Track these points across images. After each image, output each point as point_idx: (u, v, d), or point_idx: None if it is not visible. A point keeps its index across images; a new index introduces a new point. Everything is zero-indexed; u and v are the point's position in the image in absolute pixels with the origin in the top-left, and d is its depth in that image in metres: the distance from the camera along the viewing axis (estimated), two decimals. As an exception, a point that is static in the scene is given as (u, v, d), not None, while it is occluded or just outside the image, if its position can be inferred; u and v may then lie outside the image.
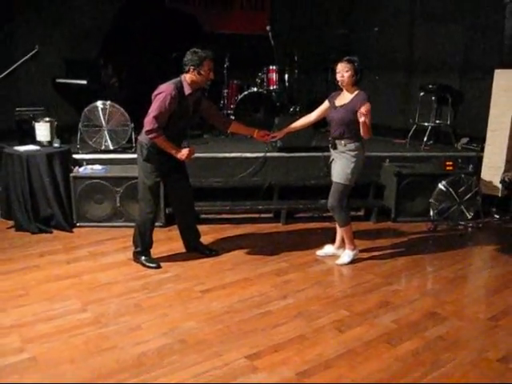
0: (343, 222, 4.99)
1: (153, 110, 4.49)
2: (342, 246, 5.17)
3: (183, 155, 4.62)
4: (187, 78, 4.61)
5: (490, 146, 6.46)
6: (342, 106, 4.76)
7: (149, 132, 4.50)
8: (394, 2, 8.39)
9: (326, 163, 5.36)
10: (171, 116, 4.55)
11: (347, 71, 4.69)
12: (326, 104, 4.99)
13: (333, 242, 5.25)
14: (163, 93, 4.50)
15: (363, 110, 4.46)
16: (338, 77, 4.75)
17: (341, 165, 4.81)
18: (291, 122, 5.23)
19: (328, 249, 5.24)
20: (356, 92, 4.75)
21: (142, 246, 4.93)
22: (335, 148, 4.86)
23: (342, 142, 4.78)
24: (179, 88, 4.56)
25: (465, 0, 7.40)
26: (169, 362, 3.36)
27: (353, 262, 5.05)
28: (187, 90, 4.60)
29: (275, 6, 9.87)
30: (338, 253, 5.17)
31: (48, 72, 7.49)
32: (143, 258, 4.95)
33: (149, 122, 4.49)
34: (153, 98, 4.57)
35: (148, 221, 4.86)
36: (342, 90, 4.85)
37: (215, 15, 9.39)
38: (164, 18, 8.58)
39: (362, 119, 4.48)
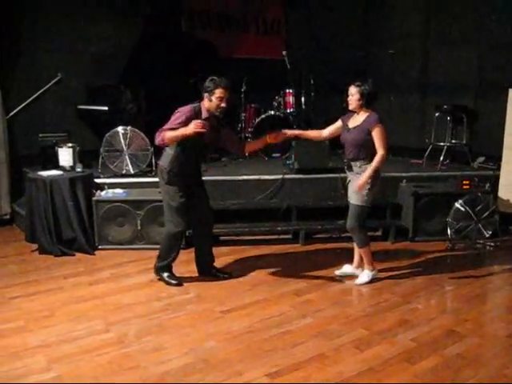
0: (362, 242, 5.03)
1: (166, 125, 4.72)
2: (361, 265, 5.21)
3: (191, 128, 4.62)
4: (204, 103, 4.80)
5: (506, 164, 6.48)
6: (354, 128, 4.85)
7: (158, 140, 4.70)
8: (409, 23, 8.49)
9: (343, 184, 5.43)
10: (186, 140, 4.68)
11: (353, 95, 4.82)
12: (339, 123, 5.09)
13: (351, 261, 5.29)
14: (180, 112, 4.73)
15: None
16: (348, 100, 4.89)
17: (354, 184, 4.87)
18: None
19: (346, 268, 5.28)
20: (368, 113, 4.84)
21: (167, 261, 5.05)
22: (350, 170, 4.94)
23: (357, 163, 4.85)
24: (197, 111, 4.75)
25: (478, 20, 7.46)
26: (191, 380, 3.41)
27: (371, 281, 5.09)
28: (204, 114, 4.76)
29: (290, 30, 10.02)
30: (357, 272, 5.21)
31: (70, 98, 7.66)
32: (166, 274, 5.07)
33: (158, 132, 4.71)
34: (173, 115, 4.78)
35: (178, 234, 4.97)
36: (353, 112, 4.96)
37: (232, 40, 9.55)
38: (181, 44, 8.74)
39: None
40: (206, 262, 5.26)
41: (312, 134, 5.36)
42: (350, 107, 4.90)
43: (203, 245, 5.23)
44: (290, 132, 5.23)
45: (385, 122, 4.83)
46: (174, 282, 5.03)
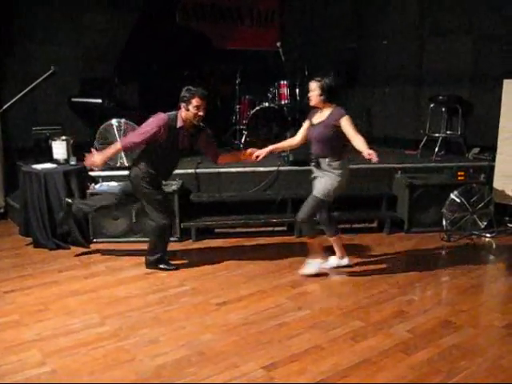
0: (311, 234, 4.97)
1: (138, 131, 4.93)
2: (344, 254, 5.22)
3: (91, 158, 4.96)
4: (181, 112, 4.87)
5: (501, 155, 6.49)
6: (319, 123, 4.78)
7: (123, 147, 4.97)
8: (403, 14, 8.46)
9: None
10: (159, 146, 4.83)
11: (313, 90, 4.73)
12: (306, 123, 5.01)
13: (345, 253, 5.29)
14: (153, 119, 4.84)
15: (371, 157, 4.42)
16: (309, 96, 4.82)
17: (324, 182, 4.77)
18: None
19: (332, 261, 5.26)
20: (332, 108, 4.75)
21: (163, 251, 5.19)
22: (318, 166, 4.82)
23: (326, 160, 4.74)
24: (172, 120, 4.83)
25: (473, 12, 7.44)
26: (187, 373, 3.40)
27: (367, 272, 5.11)
28: (179, 123, 4.85)
29: (285, 21, 9.99)
30: (342, 263, 5.21)
31: (64, 91, 7.63)
32: (162, 265, 5.18)
33: (129, 139, 4.94)
34: (146, 121, 4.89)
35: (164, 226, 5.07)
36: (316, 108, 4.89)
37: (226, 32, 9.51)
38: (175, 36, 8.70)
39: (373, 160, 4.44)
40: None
41: (286, 144, 5.30)
42: (311, 103, 4.83)
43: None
44: (264, 151, 5.08)
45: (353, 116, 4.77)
46: (171, 267, 5.20)
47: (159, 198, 5.03)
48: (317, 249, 5.03)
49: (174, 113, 4.87)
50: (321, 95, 4.71)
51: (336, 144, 4.70)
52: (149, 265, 5.22)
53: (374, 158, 4.38)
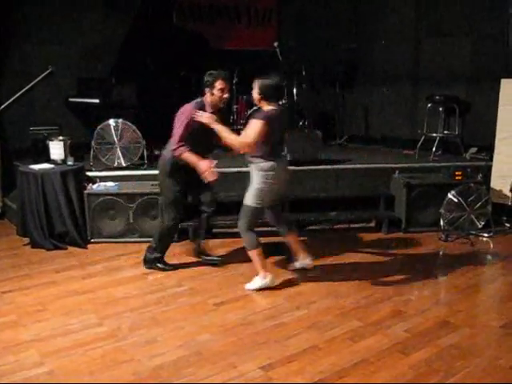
0: (249, 245, 4.77)
1: (177, 131, 4.76)
2: (304, 254, 5.18)
3: (203, 167, 4.71)
4: (207, 98, 4.83)
5: (498, 154, 6.50)
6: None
7: (175, 150, 4.76)
8: (400, 14, 8.46)
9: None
10: (195, 133, 4.73)
11: (253, 90, 4.66)
12: None
13: (344, 252, 5.31)
14: (184, 114, 4.75)
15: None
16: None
17: (251, 185, 4.71)
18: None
19: (296, 263, 5.23)
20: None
21: (162, 252, 5.21)
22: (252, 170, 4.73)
23: (253, 160, 4.67)
24: (200, 107, 4.77)
25: (470, 11, 7.45)
26: (185, 373, 3.41)
27: (365, 272, 5.11)
28: (208, 110, 4.79)
29: (282, 21, 9.98)
30: (306, 262, 5.18)
31: (61, 91, 7.62)
32: (160, 264, 5.20)
33: (174, 142, 4.75)
34: (176, 117, 4.79)
35: (172, 227, 5.09)
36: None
37: (223, 32, 9.50)
38: (172, 36, 8.69)
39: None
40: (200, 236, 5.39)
41: None
42: (254, 102, 4.86)
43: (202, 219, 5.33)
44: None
45: (270, 121, 4.50)
46: (168, 267, 5.21)
47: (177, 196, 4.97)
48: (260, 261, 4.78)
49: (199, 100, 4.85)
50: (259, 94, 4.61)
51: (260, 145, 4.52)
52: (146, 263, 5.24)
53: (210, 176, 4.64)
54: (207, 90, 4.80)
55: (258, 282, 4.75)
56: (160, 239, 5.14)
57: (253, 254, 4.75)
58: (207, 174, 4.73)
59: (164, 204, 5.11)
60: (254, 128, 4.45)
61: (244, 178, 6.45)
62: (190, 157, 4.74)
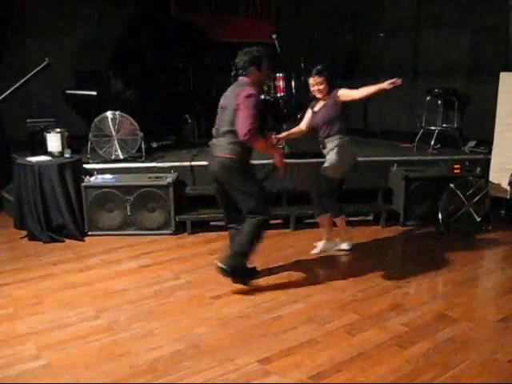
0: (336, 212, 5.24)
1: (248, 113, 4.24)
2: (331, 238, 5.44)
3: (280, 156, 4.65)
4: (251, 79, 4.46)
5: (497, 148, 6.48)
6: (321, 108, 5.00)
7: (247, 134, 4.21)
8: (400, 7, 8.43)
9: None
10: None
11: (321, 84, 4.88)
12: (309, 112, 5.18)
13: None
14: (254, 97, 4.31)
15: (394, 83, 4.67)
16: (314, 91, 4.95)
17: (330, 160, 5.00)
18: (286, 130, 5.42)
19: (322, 245, 5.42)
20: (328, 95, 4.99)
21: (249, 254, 4.57)
22: (325, 147, 5.05)
23: (330, 139, 4.97)
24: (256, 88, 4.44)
25: (470, 4, 7.42)
26: (182, 367, 3.40)
27: (362, 265, 5.11)
28: (256, 90, 4.46)
29: (281, 13, 9.94)
30: (331, 245, 5.44)
31: (58, 83, 7.58)
32: (250, 274, 4.74)
33: (247, 125, 4.22)
34: (240, 100, 4.29)
35: (266, 222, 4.60)
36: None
37: (221, 24, 9.44)
38: (170, 28, 8.65)
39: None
40: None
41: (294, 131, 5.35)
42: (319, 96, 4.99)
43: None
44: (276, 138, 5.09)
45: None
46: (256, 274, 4.76)
47: (258, 187, 4.50)
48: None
49: (245, 81, 4.44)
50: (327, 85, 4.92)
51: (338, 123, 4.93)
52: (235, 274, 4.51)
53: (397, 81, 4.66)
54: (254, 68, 4.41)
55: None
56: (255, 239, 4.50)
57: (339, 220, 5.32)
58: (282, 165, 4.59)
59: (250, 201, 4.43)
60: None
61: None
62: (264, 143, 4.39)
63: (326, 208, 5.23)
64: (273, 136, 5.08)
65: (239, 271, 4.52)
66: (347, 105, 5.00)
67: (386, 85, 4.64)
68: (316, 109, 5.06)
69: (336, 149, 4.97)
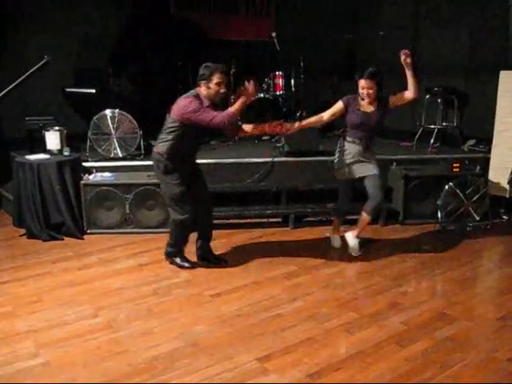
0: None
1: (207, 117, 4.48)
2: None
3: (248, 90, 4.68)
4: (201, 91, 4.62)
5: (496, 146, 6.47)
6: (375, 111, 4.98)
7: (223, 123, 4.52)
8: (399, 5, 8.43)
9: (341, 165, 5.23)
10: (190, 127, 4.56)
11: (372, 88, 4.84)
12: (340, 106, 5.06)
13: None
14: (193, 101, 4.51)
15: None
16: (364, 93, 4.90)
17: (372, 162, 5.10)
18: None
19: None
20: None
21: (178, 247, 5.04)
22: (367, 150, 5.09)
23: (373, 141, 5.12)
24: (199, 100, 4.56)
25: (469, 2, 7.42)
26: (180, 365, 3.39)
27: (361, 264, 5.13)
28: (205, 103, 4.57)
29: (280, 11, 9.94)
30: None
31: (57, 81, 7.58)
32: (178, 259, 5.06)
33: (215, 118, 4.49)
34: (181, 110, 4.53)
35: (185, 221, 4.80)
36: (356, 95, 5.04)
37: (221, 22, 9.46)
38: (169, 26, 8.65)
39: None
40: (205, 247, 5.17)
41: (313, 119, 5.17)
42: (368, 99, 4.93)
43: (203, 230, 5.14)
44: (293, 127, 5.04)
45: None
46: (187, 264, 5.03)
47: (177, 192, 4.71)
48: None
49: (193, 92, 4.62)
50: (378, 90, 4.92)
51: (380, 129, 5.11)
52: (166, 255, 5.12)
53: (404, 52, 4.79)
54: (203, 83, 4.58)
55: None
56: (174, 234, 4.96)
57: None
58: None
59: (169, 201, 4.81)
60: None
61: (238, 169, 6.49)
62: (235, 107, 4.59)
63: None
64: (281, 126, 4.95)
65: (171, 258, 5.06)
66: None
67: (407, 64, 4.83)
68: (368, 110, 4.98)
69: (374, 151, 5.17)
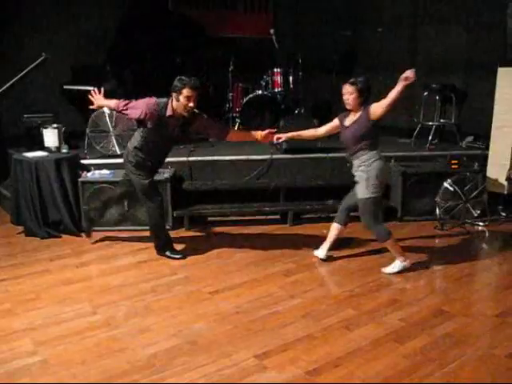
0: (382, 236, 4.81)
1: (128, 105, 4.85)
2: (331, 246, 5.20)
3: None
4: (172, 102, 4.78)
5: (494, 143, 6.46)
6: (352, 124, 4.66)
7: (115, 107, 4.92)
8: (397, 2, 8.42)
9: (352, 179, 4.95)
10: (149, 132, 4.81)
11: (351, 94, 4.59)
12: (335, 122, 4.87)
13: (339, 241, 5.29)
14: (142, 102, 4.79)
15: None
16: (344, 99, 4.67)
17: (361, 179, 4.67)
18: (299, 130, 5.16)
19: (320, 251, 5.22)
20: (362, 107, 4.64)
21: (164, 236, 5.24)
22: (351, 166, 4.76)
23: (359, 156, 4.66)
24: (162, 108, 4.76)
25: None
26: (179, 362, 3.40)
27: (360, 261, 5.13)
28: (168, 112, 4.77)
29: (278, 8, 9.92)
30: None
31: (55, 78, 7.56)
32: (168, 252, 5.18)
33: (119, 105, 4.87)
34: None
35: (160, 204, 5.10)
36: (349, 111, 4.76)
37: (219, 19, 9.44)
38: (167, 23, 8.63)
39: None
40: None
41: (307, 133, 5.12)
42: (349, 107, 4.67)
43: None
44: (284, 136, 5.05)
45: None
46: (177, 256, 5.19)
47: (145, 184, 4.98)
48: (396, 248, 4.88)
49: (164, 100, 4.80)
50: (358, 98, 4.58)
51: (368, 140, 4.61)
52: (157, 249, 5.27)
53: (411, 75, 4.50)
54: (174, 94, 4.72)
55: (398, 265, 4.84)
56: (155, 223, 5.17)
57: (388, 243, 4.82)
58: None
59: (142, 192, 5.05)
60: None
61: (237, 166, 6.49)
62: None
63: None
64: (273, 134, 5.05)
65: (161, 251, 5.23)
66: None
67: (402, 83, 4.47)
68: (347, 123, 4.73)
69: (365, 163, 4.64)
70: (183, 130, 4.94)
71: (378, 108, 4.54)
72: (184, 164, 6.43)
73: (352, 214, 5.21)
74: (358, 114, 4.66)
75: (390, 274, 4.82)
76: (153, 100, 4.79)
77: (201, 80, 4.86)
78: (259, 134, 5.04)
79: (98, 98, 5.00)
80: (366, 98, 4.64)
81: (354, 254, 5.30)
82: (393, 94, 4.49)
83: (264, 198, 6.36)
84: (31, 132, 6.60)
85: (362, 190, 4.65)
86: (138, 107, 4.76)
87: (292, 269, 4.95)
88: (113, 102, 4.94)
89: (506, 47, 6.68)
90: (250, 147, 6.93)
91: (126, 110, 4.83)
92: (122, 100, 4.86)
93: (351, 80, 4.64)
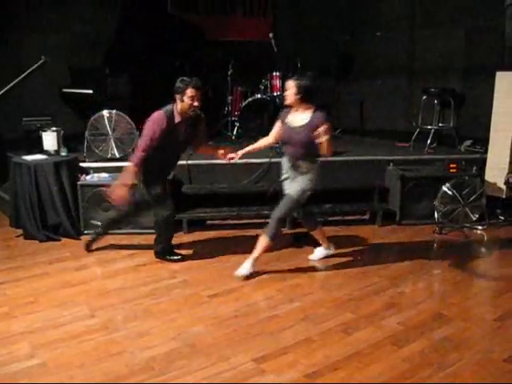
0: (270, 234, 4.76)
1: (142, 141, 4.77)
2: (328, 244, 5.29)
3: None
4: (177, 106, 4.81)
5: (493, 147, 6.47)
6: (301, 127, 4.61)
7: (134, 160, 4.76)
8: (396, 6, 8.44)
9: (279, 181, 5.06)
10: (160, 144, 4.75)
11: (290, 89, 4.61)
12: (278, 125, 4.85)
13: (336, 244, 5.31)
14: (150, 122, 4.74)
15: (322, 129, 4.38)
16: (285, 94, 4.72)
17: (300, 182, 4.70)
18: (249, 145, 5.15)
19: (318, 252, 5.29)
20: (312, 110, 4.62)
21: (165, 243, 5.23)
22: (296, 169, 4.72)
23: (304, 161, 4.66)
24: (169, 117, 4.76)
25: (465, 3, 7.42)
26: (177, 365, 3.39)
27: (359, 264, 5.12)
28: (177, 119, 4.79)
29: (278, 12, 9.94)
30: (330, 252, 5.29)
31: (54, 82, 7.56)
32: (168, 256, 5.24)
33: (137, 153, 4.77)
34: (146, 124, 4.79)
35: (169, 217, 5.06)
36: (290, 108, 4.76)
37: (218, 22, 9.45)
38: (167, 27, 8.64)
39: (323, 139, 4.39)
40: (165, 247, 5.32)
41: (261, 143, 5.08)
42: (287, 102, 4.71)
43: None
44: (239, 153, 5.01)
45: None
46: (176, 257, 5.25)
47: (158, 192, 4.94)
48: (259, 252, 4.83)
49: (170, 108, 4.79)
50: (296, 94, 4.58)
51: (314, 146, 4.53)
52: (156, 254, 5.28)
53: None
54: (177, 96, 4.74)
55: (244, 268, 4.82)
56: (160, 231, 5.19)
57: (264, 244, 4.79)
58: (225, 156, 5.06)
59: (152, 202, 5.02)
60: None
61: (235, 170, 6.49)
62: (127, 174, 4.81)
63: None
64: (228, 154, 5.07)
65: (163, 256, 5.24)
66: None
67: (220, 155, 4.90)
68: (295, 124, 4.66)
69: (309, 172, 4.69)
70: (193, 132, 4.96)
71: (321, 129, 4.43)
72: (183, 168, 6.42)
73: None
74: (306, 117, 4.63)
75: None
76: (158, 114, 4.77)
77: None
78: (219, 153, 5.13)
79: (120, 190, 4.83)
80: (304, 97, 4.61)
81: (353, 258, 5.30)
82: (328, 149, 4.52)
83: (263, 202, 6.36)
84: (30, 135, 6.60)
85: (296, 188, 4.70)
86: (150, 129, 4.71)
87: (290, 272, 4.96)
88: (128, 169, 4.81)
89: (505, 51, 6.68)
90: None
91: (144, 144, 4.73)
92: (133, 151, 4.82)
93: (295, 76, 4.70)
